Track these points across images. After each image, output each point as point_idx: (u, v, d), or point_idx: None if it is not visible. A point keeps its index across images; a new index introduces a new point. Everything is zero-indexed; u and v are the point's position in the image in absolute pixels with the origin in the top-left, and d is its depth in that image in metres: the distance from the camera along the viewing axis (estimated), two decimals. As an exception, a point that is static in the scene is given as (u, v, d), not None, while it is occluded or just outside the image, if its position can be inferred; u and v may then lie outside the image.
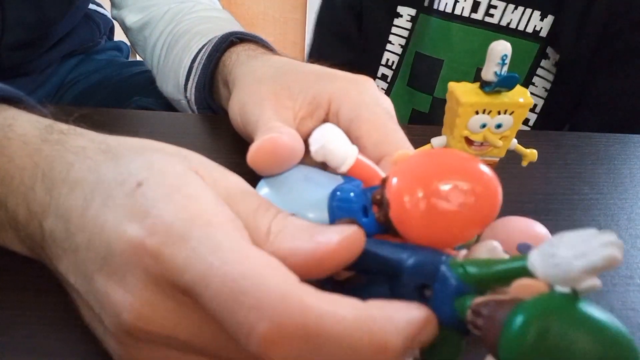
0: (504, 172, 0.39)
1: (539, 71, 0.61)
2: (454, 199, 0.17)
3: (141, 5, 0.56)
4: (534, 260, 0.15)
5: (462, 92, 0.32)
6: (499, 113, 0.32)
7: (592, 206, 0.37)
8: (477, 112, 0.32)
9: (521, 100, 0.32)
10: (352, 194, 0.21)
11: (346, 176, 0.23)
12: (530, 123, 0.64)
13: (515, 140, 0.35)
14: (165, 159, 0.22)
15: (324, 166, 0.25)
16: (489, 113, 0.32)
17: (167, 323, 0.19)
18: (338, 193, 0.22)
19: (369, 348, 0.16)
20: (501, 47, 0.30)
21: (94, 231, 0.20)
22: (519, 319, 0.14)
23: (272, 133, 0.27)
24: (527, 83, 0.62)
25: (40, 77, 0.68)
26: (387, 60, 0.69)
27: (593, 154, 0.44)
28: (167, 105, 0.55)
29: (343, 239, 0.18)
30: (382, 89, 0.70)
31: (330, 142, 0.21)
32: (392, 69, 0.69)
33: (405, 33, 0.66)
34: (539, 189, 0.39)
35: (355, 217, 0.21)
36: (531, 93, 0.62)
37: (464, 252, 0.20)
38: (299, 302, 0.17)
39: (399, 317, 0.17)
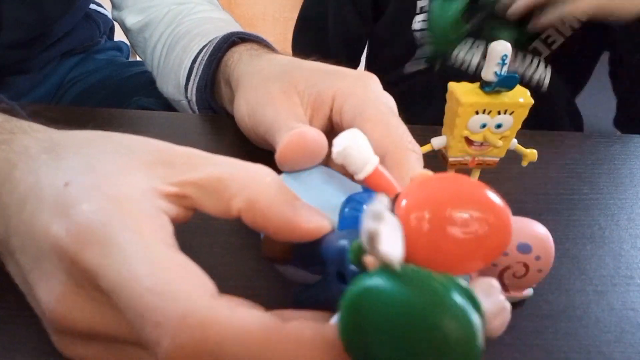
0: (504, 172, 0.39)
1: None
2: (464, 226, 0.16)
3: (141, 7, 0.56)
4: (361, 235, 0.15)
5: (462, 92, 0.32)
6: (499, 113, 0.32)
7: (592, 206, 0.37)
8: (477, 112, 0.32)
9: (521, 100, 0.32)
10: (364, 205, 0.21)
11: (365, 186, 0.23)
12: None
13: (515, 140, 0.35)
14: (102, 156, 0.22)
15: (343, 170, 0.25)
16: (489, 113, 0.32)
17: (85, 318, 0.20)
18: (351, 202, 0.22)
19: None
20: (501, 47, 0.30)
21: (26, 235, 0.20)
22: (344, 299, 0.15)
23: (298, 129, 0.27)
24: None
25: (38, 76, 0.68)
26: (421, 9, 0.68)
27: (593, 154, 0.44)
28: (168, 105, 0.55)
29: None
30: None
31: (352, 147, 0.20)
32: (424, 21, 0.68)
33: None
34: (539, 189, 0.39)
35: None
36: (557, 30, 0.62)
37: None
38: (202, 319, 0.17)
39: (307, 334, 0.17)
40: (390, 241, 0.14)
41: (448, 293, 0.13)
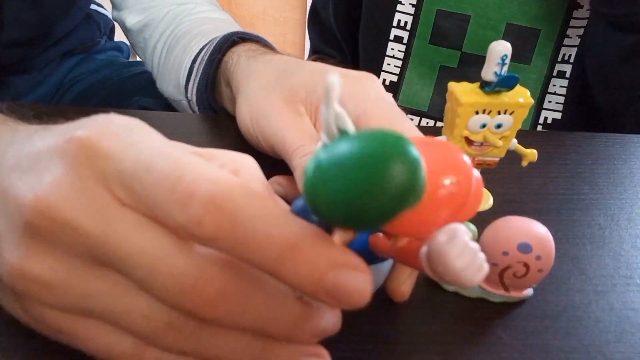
0: (504, 172, 0.39)
1: (573, 22, 0.60)
2: (441, 187, 0.17)
3: (141, 7, 0.56)
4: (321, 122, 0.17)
5: (462, 92, 0.32)
6: (499, 113, 0.32)
7: (592, 206, 0.37)
8: (477, 112, 0.32)
9: (521, 100, 0.32)
10: None
11: None
12: (567, 75, 0.63)
13: (515, 140, 0.35)
14: None
15: None
16: (489, 113, 0.32)
17: (78, 215, 0.18)
18: None
19: (286, 239, 0.17)
20: (501, 47, 0.30)
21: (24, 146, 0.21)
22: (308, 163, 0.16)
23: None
24: (561, 38, 0.60)
25: (39, 76, 0.68)
26: (399, 21, 0.67)
27: (593, 153, 0.44)
28: (168, 105, 0.55)
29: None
30: (400, 51, 0.69)
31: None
32: (406, 30, 0.68)
33: None
34: (539, 189, 0.39)
35: None
36: (566, 45, 0.61)
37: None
38: (234, 179, 0.18)
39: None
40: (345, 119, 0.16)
41: (398, 140, 0.14)
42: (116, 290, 0.19)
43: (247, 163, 0.24)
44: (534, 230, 0.27)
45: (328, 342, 0.21)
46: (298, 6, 1.84)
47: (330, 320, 0.21)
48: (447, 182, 0.17)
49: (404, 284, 0.26)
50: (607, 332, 0.27)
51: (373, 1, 0.68)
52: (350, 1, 0.71)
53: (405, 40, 0.68)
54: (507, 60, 0.31)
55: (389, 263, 0.26)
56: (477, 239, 0.27)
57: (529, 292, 0.29)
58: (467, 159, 0.18)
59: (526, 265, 0.26)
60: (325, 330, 0.21)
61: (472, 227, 0.28)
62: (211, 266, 0.18)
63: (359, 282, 0.17)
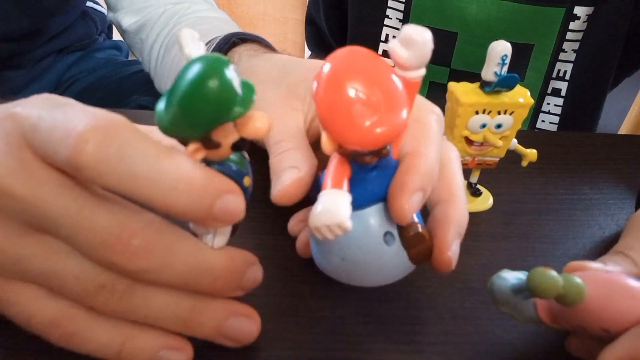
0: (504, 172, 0.39)
1: (569, 35, 0.58)
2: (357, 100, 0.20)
3: (136, 8, 0.56)
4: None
5: (462, 92, 0.32)
6: (499, 113, 0.32)
7: (592, 206, 0.37)
8: (477, 112, 0.32)
9: (521, 100, 0.32)
10: None
11: None
12: (563, 93, 0.61)
13: (515, 140, 0.35)
14: None
15: None
16: (489, 113, 0.32)
17: (5, 178, 0.19)
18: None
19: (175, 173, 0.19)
20: (501, 47, 0.30)
21: None
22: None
23: (289, 171, 0.26)
24: (557, 51, 0.58)
25: (34, 71, 0.68)
26: (387, 36, 0.67)
27: (593, 153, 0.44)
28: (167, 104, 0.55)
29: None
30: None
31: None
32: None
33: (401, 6, 0.63)
34: (539, 189, 0.39)
35: None
36: (561, 60, 0.59)
37: None
38: (122, 119, 0.19)
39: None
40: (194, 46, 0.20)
41: (217, 63, 0.18)
42: (49, 252, 0.20)
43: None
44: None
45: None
46: (298, 6, 1.84)
47: (253, 272, 0.23)
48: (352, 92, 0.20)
49: (449, 250, 0.24)
50: (607, 332, 0.27)
51: (360, 16, 0.66)
52: (339, 12, 0.70)
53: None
54: (507, 60, 0.31)
55: (374, 212, 0.24)
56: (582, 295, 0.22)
57: None
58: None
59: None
60: (249, 282, 0.22)
61: (579, 281, 0.22)
62: (133, 220, 0.19)
63: (237, 203, 0.20)
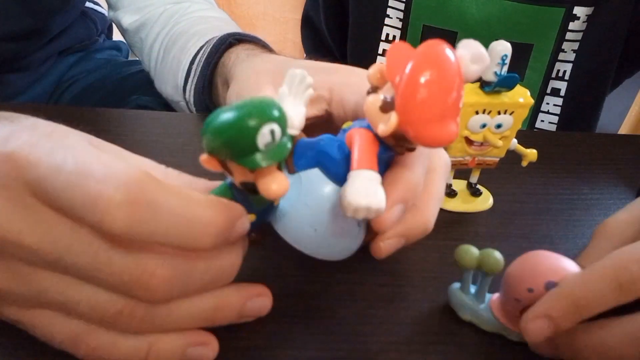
0: (504, 172, 0.39)
1: (568, 35, 0.58)
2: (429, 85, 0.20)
3: (137, 7, 0.56)
4: None
5: (462, 91, 0.32)
6: (499, 113, 0.32)
7: (592, 206, 0.37)
8: (477, 112, 0.32)
9: (521, 100, 0.32)
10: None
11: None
12: (562, 93, 0.61)
13: (515, 140, 0.35)
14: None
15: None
16: (489, 113, 0.32)
17: (12, 227, 0.19)
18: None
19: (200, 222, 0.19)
20: (501, 47, 0.30)
21: None
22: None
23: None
24: (556, 51, 0.58)
25: (36, 74, 0.68)
26: (387, 35, 0.67)
27: (593, 153, 0.44)
28: (166, 104, 0.55)
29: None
30: None
31: None
32: None
33: (402, 6, 0.63)
34: (539, 189, 0.39)
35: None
36: (560, 60, 0.59)
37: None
38: (142, 173, 0.19)
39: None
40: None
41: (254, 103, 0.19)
42: (62, 284, 0.20)
43: (150, 165, 0.24)
44: (565, 270, 0.24)
45: None
46: (298, 6, 1.84)
47: (263, 301, 0.24)
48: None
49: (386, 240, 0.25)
50: (607, 332, 0.27)
51: (361, 15, 0.66)
52: (340, 11, 0.70)
53: None
54: (507, 60, 0.31)
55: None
56: (503, 270, 0.25)
57: None
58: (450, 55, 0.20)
59: None
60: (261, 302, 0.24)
61: (498, 256, 0.25)
62: (149, 258, 0.20)
63: (246, 224, 0.21)
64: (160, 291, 0.20)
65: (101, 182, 0.18)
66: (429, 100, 0.20)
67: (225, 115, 0.19)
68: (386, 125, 0.21)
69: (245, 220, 0.21)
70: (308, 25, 0.78)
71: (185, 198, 0.20)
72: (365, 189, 0.21)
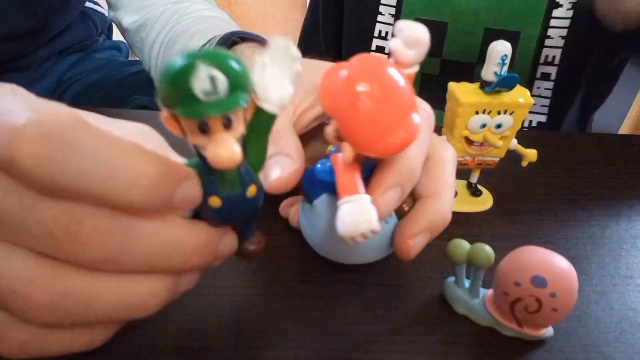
0: (504, 172, 0.39)
1: (553, 22, 0.59)
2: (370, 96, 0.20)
3: (137, 6, 0.56)
4: None
5: (462, 92, 0.32)
6: (499, 113, 0.32)
7: (592, 206, 0.37)
8: (477, 112, 0.32)
9: (521, 100, 0.32)
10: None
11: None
12: (552, 77, 0.62)
13: (515, 140, 0.35)
14: None
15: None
16: (489, 113, 0.32)
17: None
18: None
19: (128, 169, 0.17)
20: (501, 47, 0.30)
21: None
22: None
23: (283, 160, 0.26)
24: (542, 38, 0.60)
25: (35, 74, 0.68)
26: (380, 31, 0.68)
27: (593, 153, 0.44)
28: (166, 103, 0.55)
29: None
30: None
31: None
32: (387, 40, 0.68)
33: (393, 1, 0.65)
34: (539, 189, 0.39)
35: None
36: (548, 46, 0.60)
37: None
38: (67, 111, 0.17)
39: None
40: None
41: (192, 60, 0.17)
42: None
43: (148, 130, 0.24)
44: (553, 265, 0.24)
45: None
46: (298, 6, 1.84)
47: (228, 240, 0.22)
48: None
49: (409, 239, 0.25)
50: (607, 332, 0.27)
51: (355, 13, 0.68)
52: (337, 16, 0.71)
53: (387, 50, 0.68)
54: (507, 60, 0.31)
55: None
56: (494, 265, 0.25)
57: (546, 332, 0.26)
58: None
59: (538, 301, 0.24)
60: (224, 251, 0.22)
61: (489, 250, 0.25)
62: (80, 208, 0.17)
63: (195, 190, 0.19)
64: (91, 245, 0.17)
65: (14, 114, 0.16)
66: (368, 125, 0.20)
67: (170, 63, 0.17)
68: (345, 154, 0.22)
69: (192, 186, 0.19)
70: (305, 38, 0.79)
71: (116, 142, 0.17)
72: (354, 215, 0.21)
